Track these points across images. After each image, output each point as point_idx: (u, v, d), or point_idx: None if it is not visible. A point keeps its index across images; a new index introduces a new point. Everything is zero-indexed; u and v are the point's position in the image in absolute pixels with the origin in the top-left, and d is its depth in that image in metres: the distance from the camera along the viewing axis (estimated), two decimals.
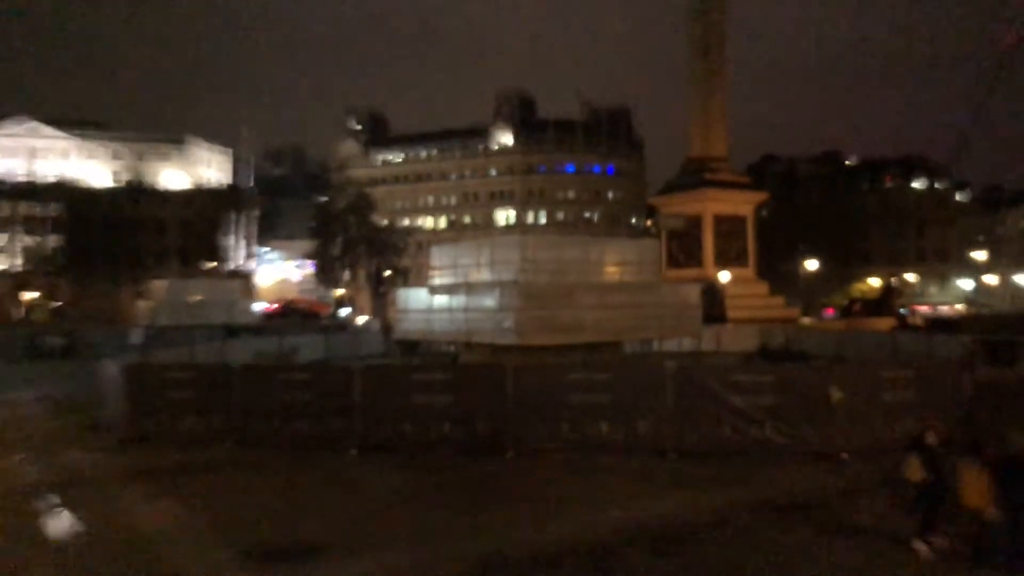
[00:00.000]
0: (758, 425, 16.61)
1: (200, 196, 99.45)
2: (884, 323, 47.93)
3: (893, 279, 78.25)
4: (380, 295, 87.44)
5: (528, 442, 16.97)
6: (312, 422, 18.04)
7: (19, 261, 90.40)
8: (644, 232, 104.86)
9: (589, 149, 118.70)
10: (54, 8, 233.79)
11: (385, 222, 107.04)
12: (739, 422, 16.64)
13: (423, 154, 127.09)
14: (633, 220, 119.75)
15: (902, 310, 57.19)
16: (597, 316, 25.26)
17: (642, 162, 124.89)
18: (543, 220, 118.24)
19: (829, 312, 73.28)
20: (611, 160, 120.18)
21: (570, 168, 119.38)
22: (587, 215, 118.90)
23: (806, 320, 55.85)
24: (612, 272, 27.37)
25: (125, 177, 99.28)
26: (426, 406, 17.55)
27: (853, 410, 16.66)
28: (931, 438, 11.06)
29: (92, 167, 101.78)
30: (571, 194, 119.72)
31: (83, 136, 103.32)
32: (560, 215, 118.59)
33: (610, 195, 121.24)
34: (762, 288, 51.80)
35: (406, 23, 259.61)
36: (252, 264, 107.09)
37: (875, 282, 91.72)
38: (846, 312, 60.07)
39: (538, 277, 25.08)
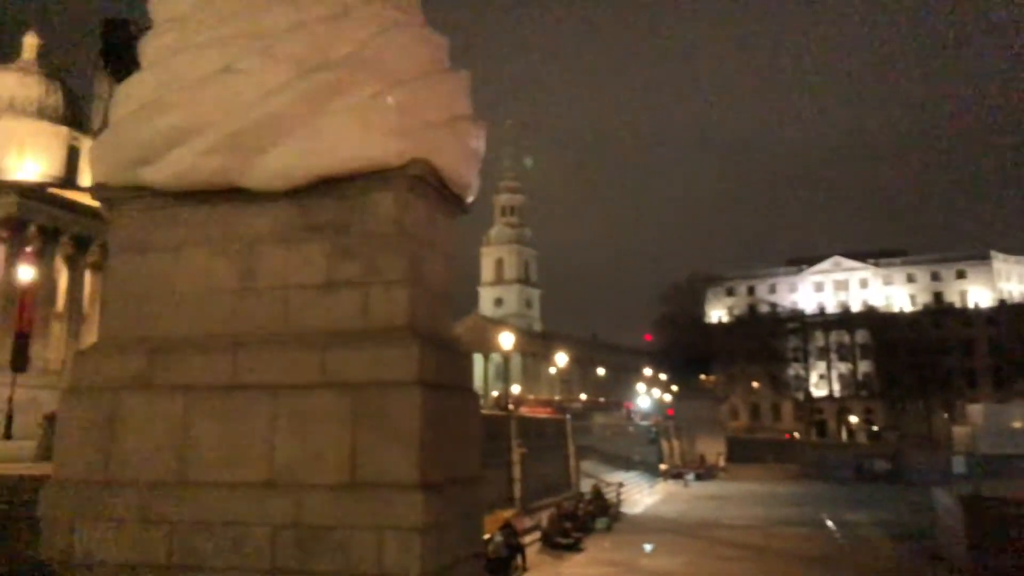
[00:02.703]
0: None
1: (1006, 312, 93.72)
2: None
3: None
4: None
5: None
6: None
7: (837, 387, 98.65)
8: None
9: None
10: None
11: None
12: None
13: None
14: None
15: None
16: None
17: None
18: None
19: None
20: None
21: None
22: None
23: None
24: None
25: (922, 300, 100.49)
26: None
27: None
28: None
29: (891, 293, 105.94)
30: None
31: (880, 264, 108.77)
32: None
33: None
34: None
35: None
36: None
37: None
38: None
39: None
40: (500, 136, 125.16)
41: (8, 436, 32.56)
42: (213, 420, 6.33)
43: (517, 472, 22.59)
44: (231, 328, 6.59)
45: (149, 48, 7.12)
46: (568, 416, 38.77)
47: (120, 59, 7.51)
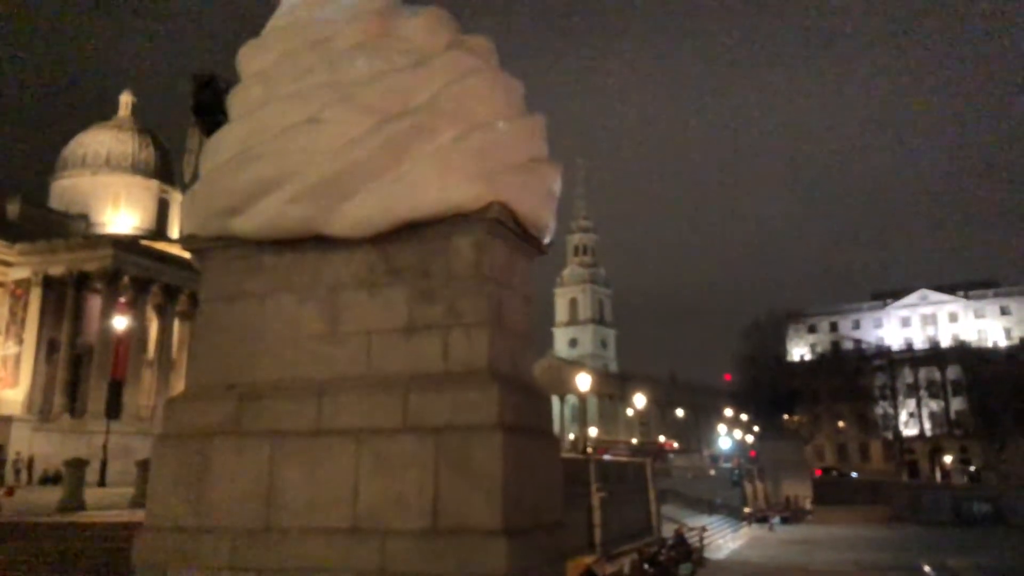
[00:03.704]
0: None
1: None
2: None
3: None
4: None
5: None
6: None
7: (929, 425, 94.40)
8: None
9: None
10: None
11: None
12: None
13: None
14: None
15: None
16: None
17: None
18: None
19: None
20: None
21: None
22: None
23: None
24: None
25: (1018, 333, 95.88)
26: None
27: None
28: None
29: (983, 327, 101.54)
30: None
31: (970, 297, 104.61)
32: None
33: None
34: None
35: None
36: None
37: None
38: None
39: None
40: (572, 175, 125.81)
41: (103, 483, 33.76)
42: (299, 466, 6.38)
43: (597, 517, 22.18)
44: (316, 374, 6.68)
45: (236, 101, 7.38)
46: (649, 459, 38.04)
47: (210, 113, 7.82)
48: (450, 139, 6.43)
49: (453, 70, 6.76)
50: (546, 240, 7.29)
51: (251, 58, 7.46)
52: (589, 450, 30.59)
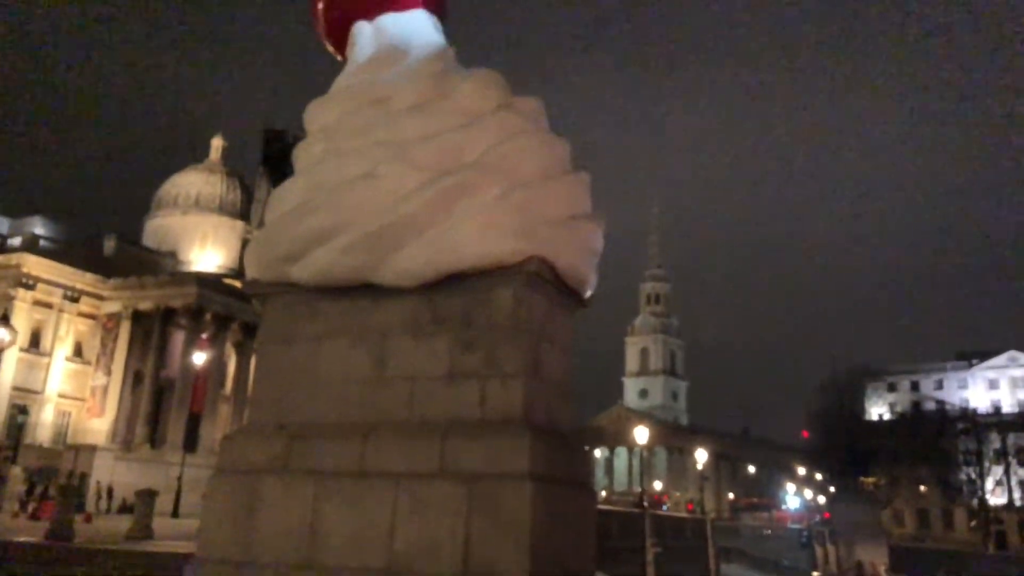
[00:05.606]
0: None
1: None
2: None
3: None
4: None
5: None
6: None
7: (1018, 494, 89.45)
8: None
9: None
10: None
11: None
12: None
13: None
14: None
15: None
16: None
17: None
18: None
19: None
20: None
21: None
22: None
23: None
24: None
25: None
26: None
27: None
28: None
29: None
30: None
31: None
32: None
33: None
34: None
35: None
36: None
37: None
38: None
39: None
40: (646, 223, 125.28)
41: (176, 514, 34.79)
42: (341, 506, 6.63)
43: (651, 572, 21.77)
44: (362, 416, 6.96)
45: (301, 155, 7.88)
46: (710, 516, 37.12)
47: (278, 166, 8.38)
48: (494, 196, 6.73)
49: (500, 131, 7.09)
50: (587, 294, 7.49)
51: (316, 115, 7.96)
52: (645, 504, 30.15)
